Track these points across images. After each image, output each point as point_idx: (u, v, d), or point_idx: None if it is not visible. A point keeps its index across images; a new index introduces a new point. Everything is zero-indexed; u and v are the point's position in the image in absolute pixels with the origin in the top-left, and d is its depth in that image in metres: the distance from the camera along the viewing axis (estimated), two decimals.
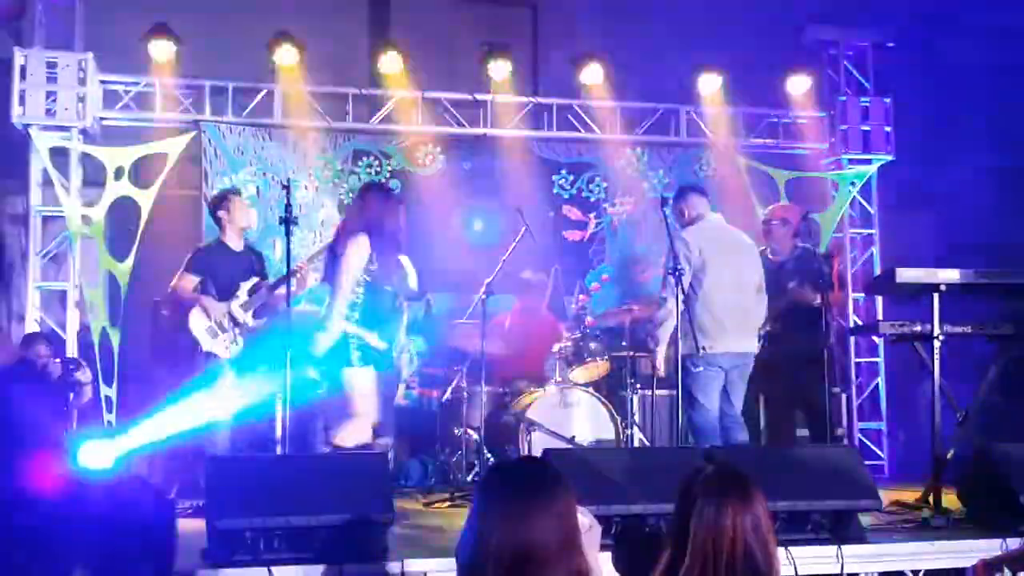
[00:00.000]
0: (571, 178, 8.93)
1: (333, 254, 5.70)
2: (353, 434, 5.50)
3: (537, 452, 6.13)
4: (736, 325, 5.97)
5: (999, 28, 8.70)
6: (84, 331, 7.77)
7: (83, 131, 7.86)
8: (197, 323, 6.40)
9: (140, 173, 7.94)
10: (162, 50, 7.84)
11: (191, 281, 6.42)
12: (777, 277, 6.74)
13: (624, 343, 7.58)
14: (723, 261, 5.99)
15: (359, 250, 5.52)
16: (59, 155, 7.79)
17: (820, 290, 6.17)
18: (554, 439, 6.75)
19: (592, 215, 8.95)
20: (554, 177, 8.89)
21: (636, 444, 7.19)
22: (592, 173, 8.97)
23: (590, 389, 7.15)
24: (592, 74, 8.59)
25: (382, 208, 5.73)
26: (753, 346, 6.09)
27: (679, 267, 5.68)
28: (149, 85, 8.07)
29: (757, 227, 8.69)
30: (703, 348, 5.71)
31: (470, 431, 7.19)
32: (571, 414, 6.93)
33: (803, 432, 7.52)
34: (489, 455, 6.95)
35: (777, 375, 6.68)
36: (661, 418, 7.46)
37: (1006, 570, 2.37)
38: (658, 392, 7.35)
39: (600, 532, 2.67)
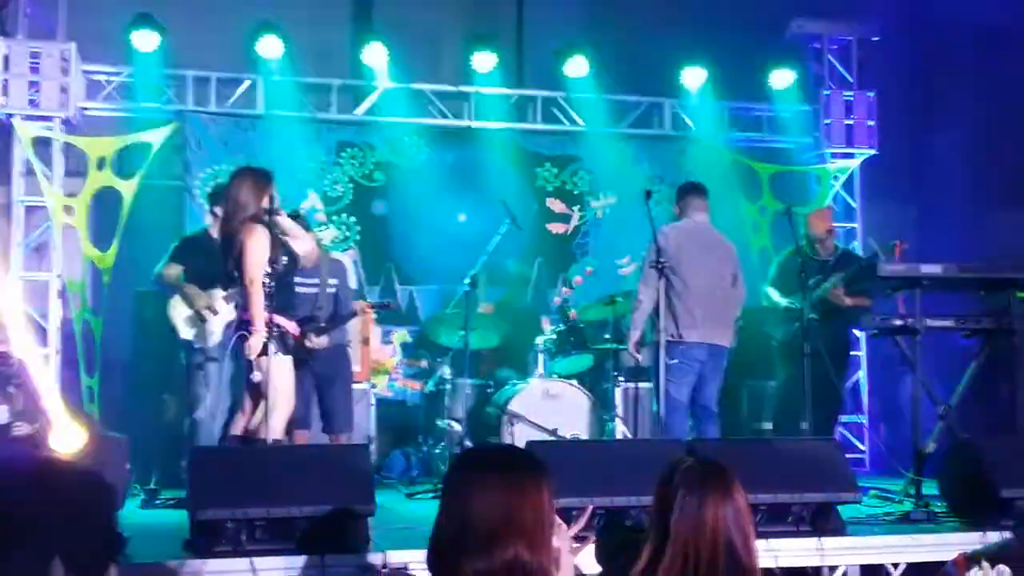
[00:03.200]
0: (555, 171, 8.93)
1: (226, 255, 5.36)
2: (279, 424, 5.29)
3: (520, 444, 6.13)
4: (711, 319, 6.13)
5: (982, 23, 8.74)
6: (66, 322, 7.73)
7: (66, 121, 7.81)
8: (177, 312, 6.39)
9: (123, 163, 7.91)
10: (145, 40, 7.80)
11: (175, 269, 6.42)
12: (822, 271, 7.03)
13: (607, 336, 7.59)
14: (700, 259, 6.16)
15: (259, 240, 5.22)
16: (42, 145, 7.75)
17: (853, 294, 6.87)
18: (537, 431, 6.75)
19: (576, 208, 8.96)
20: (538, 169, 8.89)
21: (619, 437, 7.20)
22: (576, 166, 8.97)
23: (573, 381, 7.16)
24: (577, 66, 8.59)
25: (253, 191, 5.33)
26: (728, 340, 6.24)
27: (662, 260, 5.75)
28: (132, 75, 8.03)
29: (740, 221, 8.79)
30: (673, 336, 5.79)
31: (453, 423, 7.19)
32: (554, 406, 6.93)
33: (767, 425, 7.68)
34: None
35: (793, 361, 6.76)
36: (644, 410, 7.46)
37: (983, 564, 2.38)
38: (641, 385, 7.37)
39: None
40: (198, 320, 6.33)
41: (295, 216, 6.53)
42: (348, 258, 6.62)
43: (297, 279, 6.19)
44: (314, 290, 6.25)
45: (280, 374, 5.21)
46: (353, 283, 6.37)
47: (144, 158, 7.87)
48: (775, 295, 7.29)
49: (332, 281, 6.40)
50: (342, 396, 6.44)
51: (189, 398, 6.36)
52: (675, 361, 5.97)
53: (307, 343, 6.01)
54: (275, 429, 5.18)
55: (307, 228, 6.42)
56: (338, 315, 6.37)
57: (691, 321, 6.02)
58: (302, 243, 5.60)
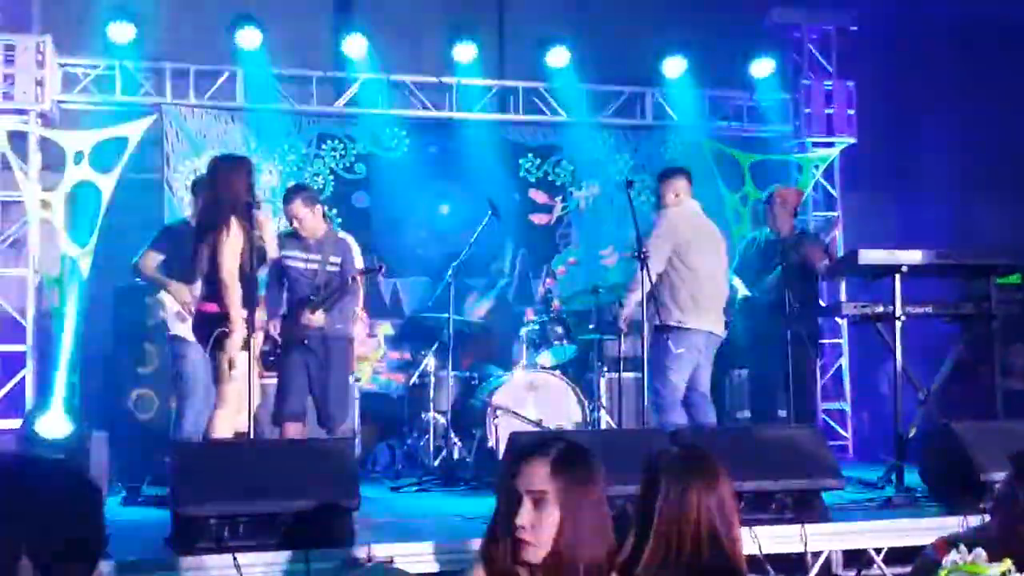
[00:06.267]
0: (537, 161, 8.92)
1: (201, 244, 5.37)
2: (226, 421, 5.35)
3: (504, 436, 6.13)
4: (711, 307, 6.16)
5: (960, 12, 8.78)
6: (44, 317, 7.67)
7: (42, 115, 7.74)
8: (167, 306, 6.34)
9: (100, 157, 7.84)
10: (122, 32, 7.72)
11: (154, 259, 6.32)
12: (774, 252, 6.85)
13: (591, 326, 7.59)
14: (704, 246, 6.18)
15: (233, 237, 5.20)
16: (17, 139, 7.67)
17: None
18: (521, 422, 6.75)
19: (558, 198, 8.95)
20: (520, 160, 8.88)
21: (603, 427, 7.21)
22: (558, 156, 8.96)
23: (557, 372, 7.15)
24: (558, 57, 8.56)
25: (236, 180, 5.33)
26: (723, 329, 6.30)
27: (645, 251, 5.71)
28: (109, 68, 7.96)
29: (723, 210, 8.80)
30: (678, 322, 5.81)
31: (437, 415, 7.18)
32: (538, 397, 6.93)
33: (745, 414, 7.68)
34: (456, 439, 6.95)
35: (766, 349, 6.78)
36: (628, 400, 7.46)
37: (960, 547, 2.39)
38: (625, 374, 7.36)
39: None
40: (186, 314, 6.27)
41: (303, 189, 6.49)
42: (352, 238, 6.48)
43: (299, 255, 6.14)
44: (314, 267, 6.15)
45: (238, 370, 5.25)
46: (360, 263, 6.26)
47: (122, 152, 7.80)
48: (740, 284, 7.27)
49: (334, 259, 6.22)
50: (337, 384, 6.27)
51: (177, 393, 6.29)
52: (681, 350, 5.98)
53: (302, 320, 5.97)
54: (240, 423, 5.20)
55: (315, 202, 6.30)
56: (338, 293, 6.21)
57: (694, 307, 5.99)
58: (270, 239, 5.59)
